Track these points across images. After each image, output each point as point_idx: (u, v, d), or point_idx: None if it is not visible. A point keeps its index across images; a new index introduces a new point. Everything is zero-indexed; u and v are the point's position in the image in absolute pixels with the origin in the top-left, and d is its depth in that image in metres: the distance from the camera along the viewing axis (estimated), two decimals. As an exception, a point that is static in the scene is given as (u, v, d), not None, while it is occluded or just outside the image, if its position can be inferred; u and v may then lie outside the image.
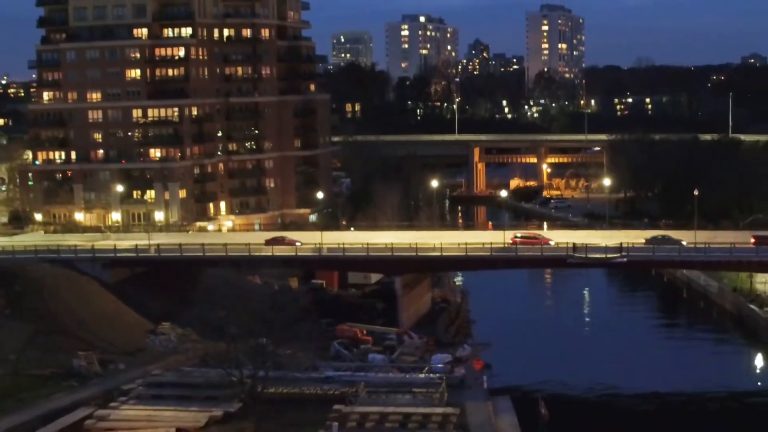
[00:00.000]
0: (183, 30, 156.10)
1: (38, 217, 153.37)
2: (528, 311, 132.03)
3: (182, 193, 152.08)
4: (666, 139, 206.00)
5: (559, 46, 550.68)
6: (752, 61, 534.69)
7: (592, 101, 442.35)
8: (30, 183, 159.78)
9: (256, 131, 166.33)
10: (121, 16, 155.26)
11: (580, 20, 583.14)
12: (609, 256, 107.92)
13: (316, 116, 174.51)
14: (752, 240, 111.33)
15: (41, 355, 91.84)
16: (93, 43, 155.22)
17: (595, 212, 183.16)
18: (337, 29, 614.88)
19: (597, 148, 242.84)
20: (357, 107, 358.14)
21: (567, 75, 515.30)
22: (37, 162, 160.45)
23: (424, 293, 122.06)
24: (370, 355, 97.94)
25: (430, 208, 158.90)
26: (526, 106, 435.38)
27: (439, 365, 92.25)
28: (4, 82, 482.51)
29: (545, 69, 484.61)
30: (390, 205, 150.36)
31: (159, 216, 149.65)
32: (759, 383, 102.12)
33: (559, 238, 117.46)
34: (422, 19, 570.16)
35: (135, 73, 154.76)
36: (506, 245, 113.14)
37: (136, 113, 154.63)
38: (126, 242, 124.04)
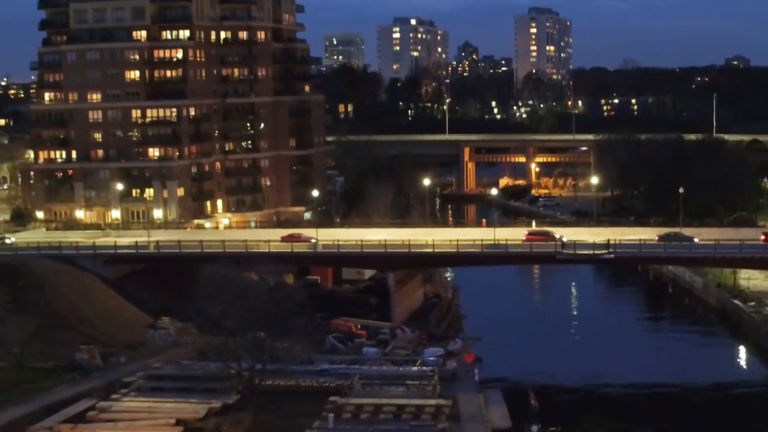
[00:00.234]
0: (181, 32, 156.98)
1: (40, 214, 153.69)
2: (517, 306, 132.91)
3: (180, 192, 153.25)
4: (651, 139, 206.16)
5: (547, 48, 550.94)
6: (735, 62, 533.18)
7: (580, 102, 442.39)
8: (32, 181, 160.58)
9: (252, 131, 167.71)
10: (121, 19, 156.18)
11: (568, 23, 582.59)
12: (597, 252, 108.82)
13: (311, 116, 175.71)
14: (762, 237, 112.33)
15: (44, 348, 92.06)
16: (93, 45, 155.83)
17: (583, 210, 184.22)
18: (330, 32, 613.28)
19: (584, 148, 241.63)
20: (350, 108, 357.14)
21: (555, 76, 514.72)
22: (38, 161, 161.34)
23: (416, 289, 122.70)
24: (364, 349, 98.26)
25: (421, 206, 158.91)
26: (515, 107, 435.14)
27: (432, 358, 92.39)
28: (4, 83, 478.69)
29: (533, 70, 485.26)
30: (383, 203, 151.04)
31: (158, 214, 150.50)
32: (742, 375, 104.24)
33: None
34: (413, 21, 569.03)
35: (134, 75, 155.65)
36: (500, 241, 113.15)
37: (136, 113, 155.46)
38: (126, 239, 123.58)
